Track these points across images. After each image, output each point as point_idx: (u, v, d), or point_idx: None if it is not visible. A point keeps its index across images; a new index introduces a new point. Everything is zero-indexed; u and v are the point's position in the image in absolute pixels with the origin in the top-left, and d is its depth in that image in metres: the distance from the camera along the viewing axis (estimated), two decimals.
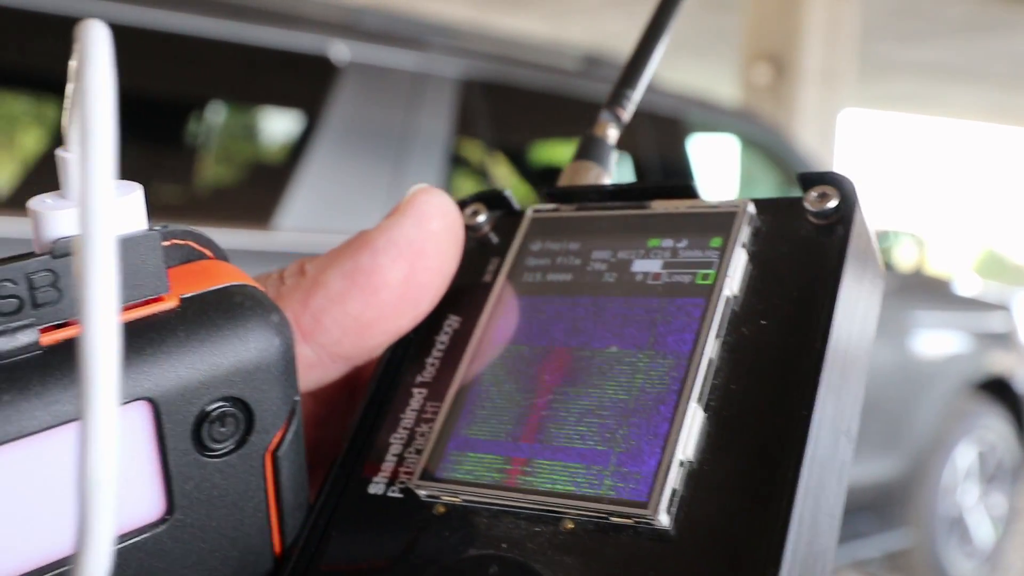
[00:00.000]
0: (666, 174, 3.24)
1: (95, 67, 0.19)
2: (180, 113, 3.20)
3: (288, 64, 2.45)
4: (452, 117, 2.53)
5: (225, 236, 2.00)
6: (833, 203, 0.33)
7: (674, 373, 0.31)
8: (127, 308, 0.28)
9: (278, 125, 3.57)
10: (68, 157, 0.27)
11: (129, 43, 2.33)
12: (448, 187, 2.56)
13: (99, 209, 0.19)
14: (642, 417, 0.31)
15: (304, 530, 0.33)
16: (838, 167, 6.95)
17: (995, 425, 4.06)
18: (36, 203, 0.27)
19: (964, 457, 3.91)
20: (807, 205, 0.33)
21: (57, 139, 3.19)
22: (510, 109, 3.03)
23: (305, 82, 2.49)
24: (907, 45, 10.26)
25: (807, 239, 0.33)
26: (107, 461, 0.19)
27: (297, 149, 2.38)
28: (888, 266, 3.78)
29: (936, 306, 3.92)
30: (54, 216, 0.27)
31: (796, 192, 0.35)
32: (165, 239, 0.30)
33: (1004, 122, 16.87)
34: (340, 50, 2.36)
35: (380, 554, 0.32)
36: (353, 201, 2.31)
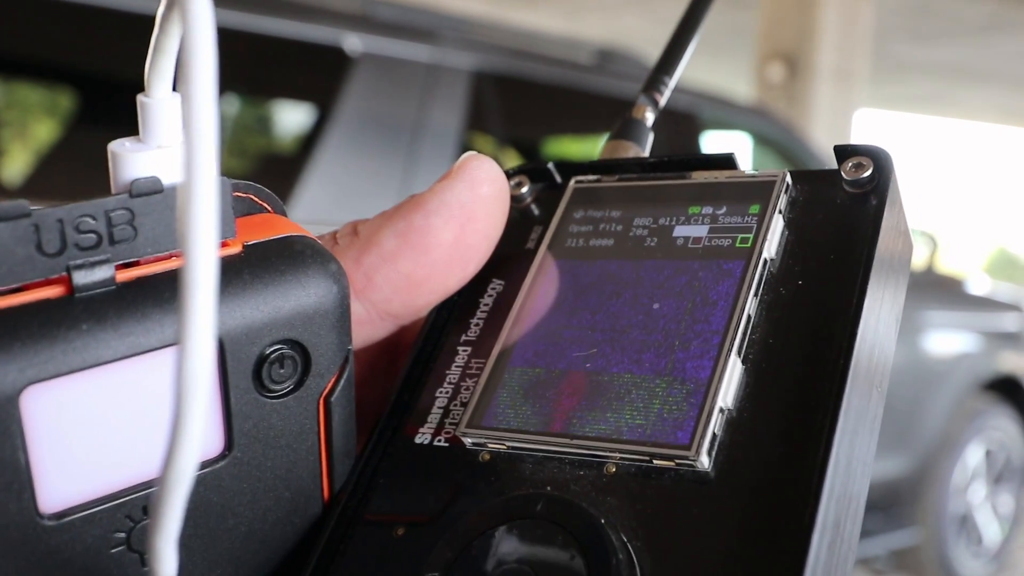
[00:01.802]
0: None
1: (196, 10, 0.20)
2: None
3: (301, 56, 2.46)
4: (465, 110, 2.54)
5: None
6: (868, 173, 0.34)
7: (714, 328, 0.33)
8: None
9: (291, 117, 3.58)
10: (148, 102, 0.28)
11: (141, 33, 2.34)
12: None
13: (204, 147, 0.20)
14: (684, 368, 0.32)
15: (352, 477, 0.34)
16: None
17: (1004, 425, 4.05)
18: (116, 146, 0.28)
19: (973, 456, 3.91)
20: (843, 175, 0.35)
21: (69, 130, 3.20)
22: (523, 103, 3.03)
23: (318, 74, 2.50)
24: (922, 45, 10.22)
25: (842, 207, 0.34)
26: (200, 394, 0.20)
27: (309, 141, 2.39)
28: None
29: (947, 305, 3.92)
30: (133, 158, 0.28)
31: None
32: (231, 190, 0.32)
33: (1018, 124, 16.79)
34: (353, 42, 2.37)
35: (426, 500, 0.33)
36: (365, 193, 2.32)
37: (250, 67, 2.69)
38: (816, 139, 5.77)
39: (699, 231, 0.36)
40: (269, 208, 0.33)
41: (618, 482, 0.30)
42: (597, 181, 0.39)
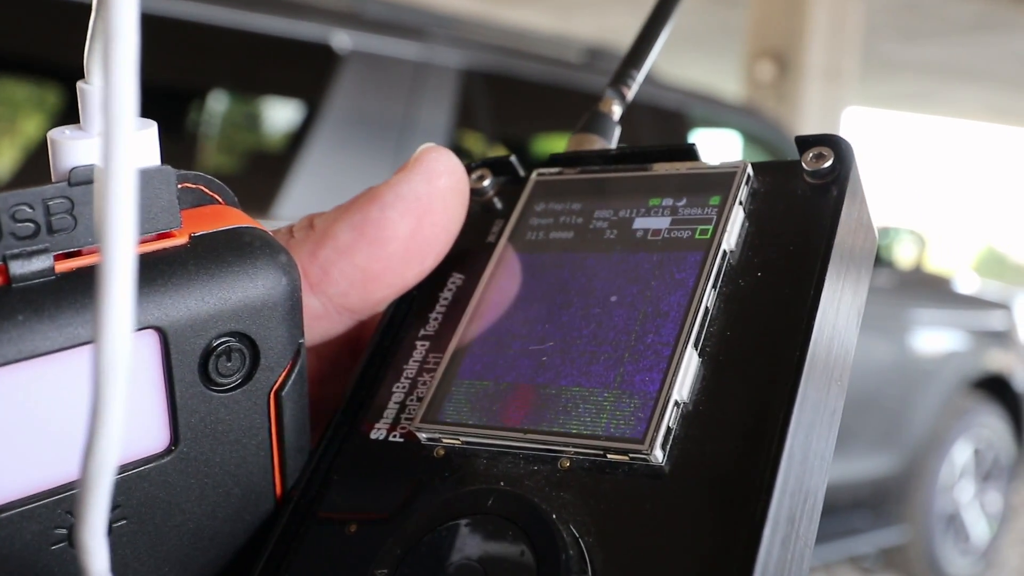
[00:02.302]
0: None
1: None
2: (182, 101, 3.20)
3: (290, 53, 2.45)
4: (454, 108, 2.53)
5: None
6: (828, 163, 0.34)
7: (672, 320, 0.32)
8: (140, 241, 0.29)
9: (279, 114, 3.57)
10: (87, 88, 0.27)
11: None
12: None
13: (121, 138, 0.20)
14: (639, 362, 0.32)
15: (306, 473, 0.34)
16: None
17: (992, 423, 4.06)
18: (55, 133, 0.28)
19: (961, 454, 3.92)
20: (803, 165, 0.35)
21: (57, 125, 3.18)
22: (512, 101, 3.03)
23: (307, 71, 2.49)
24: (911, 44, 10.24)
25: (803, 198, 0.34)
26: (117, 385, 0.19)
27: (298, 138, 2.38)
28: (888, 263, 3.78)
29: (935, 304, 3.93)
30: (72, 145, 0.27)
31: None
32: (178, 181, 0.31)
33: (1006, 122, 16.85)
34: (342, 39, 2.36)
35: (380, 496, 0.33)
36: (353, 190, 2.29)
37: (238, 64, 2.69)
38: None
39: (659, 223, 0.35)
40: (220, 199, 0.33)
41: (572, 477, 0.30)
42: (559, 174, 0.39)
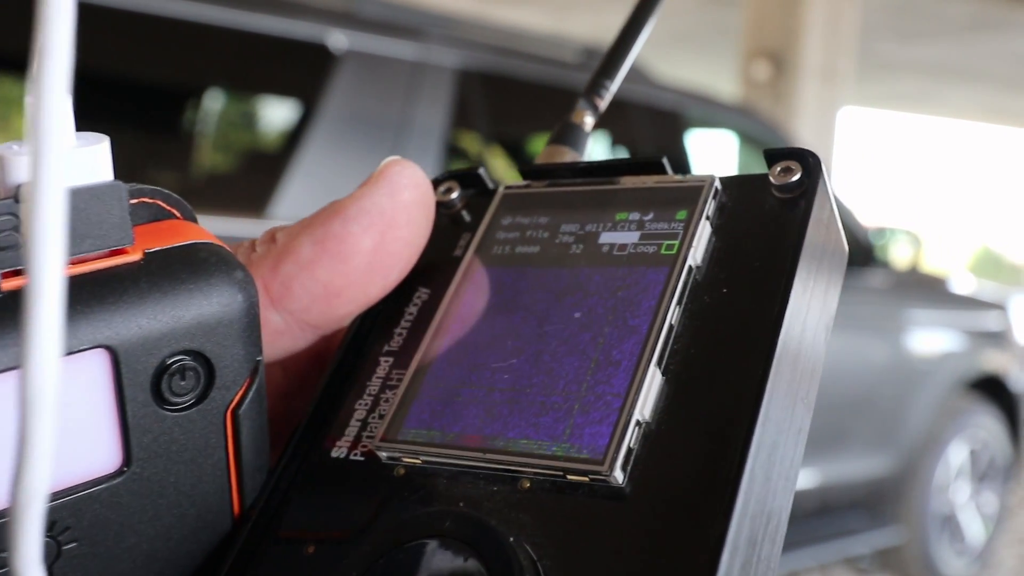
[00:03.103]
0: None
1: (55, 11, 0.19)
2: (177, 100, 3.19)
3: (286, 52, 2.45)
4: (450, 108, 2.53)
5: (221, 224, 2.00)
6: (796, 177, 0.34)
7: (635, 337, 0.32)
8: (90, 259, 0.28)
9: (275, 113, 3.57)
10: (31, 102, 0.27)
11: (127, 29, 2.33)
12: None
13: (49, 153, 0.19)
14: (602, 380, 0.31)
15: (264, 492, 0.33)
16: (836, 164, 6.96)
17: (988, 424, 4.07)
18: (2, 148, 0.27)
19: (956, 455, 3.92)
20: (771, 179, 0.34)
21: None
22: (508, 101, 3.03)
23: (303, 70, 2.49)
24: (907, 44, 10.26)
25: (770, 212, 0.34)
26: (45, 413, 0.19)
27: (293, 137, 2.38)
28: (884, 264, 3.78)
29: (931, 304, 3.93)
30: (18, 161, 0.27)
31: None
32: (133, 196, 0.31)
33: (1002, 122, 16.88)
34: (338, 39, 2.36)
35: (339, 516, 0.32)
36: (349, 190, 2.30)
37: (234, 63, 2.68)
38: (802, 138, 5.78)
39: (625, 238, 0.35)
40: (178, 214, 0.32)
41: (532, 498, 0.30)
42: (527, 187, 0.39)
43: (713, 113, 3.67)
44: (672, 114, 3.29)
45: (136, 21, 2.21)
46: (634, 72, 3.36)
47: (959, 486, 3.96)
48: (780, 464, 0.30)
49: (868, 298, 3.64)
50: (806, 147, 0.35)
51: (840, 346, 3.35)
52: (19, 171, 0.27)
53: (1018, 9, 8.76)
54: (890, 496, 3.71)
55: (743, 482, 0.27)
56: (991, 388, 4.10)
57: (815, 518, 3.47)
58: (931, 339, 3.77)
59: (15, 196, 0.26)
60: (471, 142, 3.14)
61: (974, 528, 4.02)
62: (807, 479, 3.33)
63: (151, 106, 3.00)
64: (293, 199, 2.21)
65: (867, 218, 4.29)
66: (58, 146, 0.19)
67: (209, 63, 2.66)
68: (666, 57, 9.35)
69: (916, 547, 3.80)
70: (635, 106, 3.16)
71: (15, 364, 0.26)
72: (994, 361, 4.07)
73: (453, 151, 2.91)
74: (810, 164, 0.34)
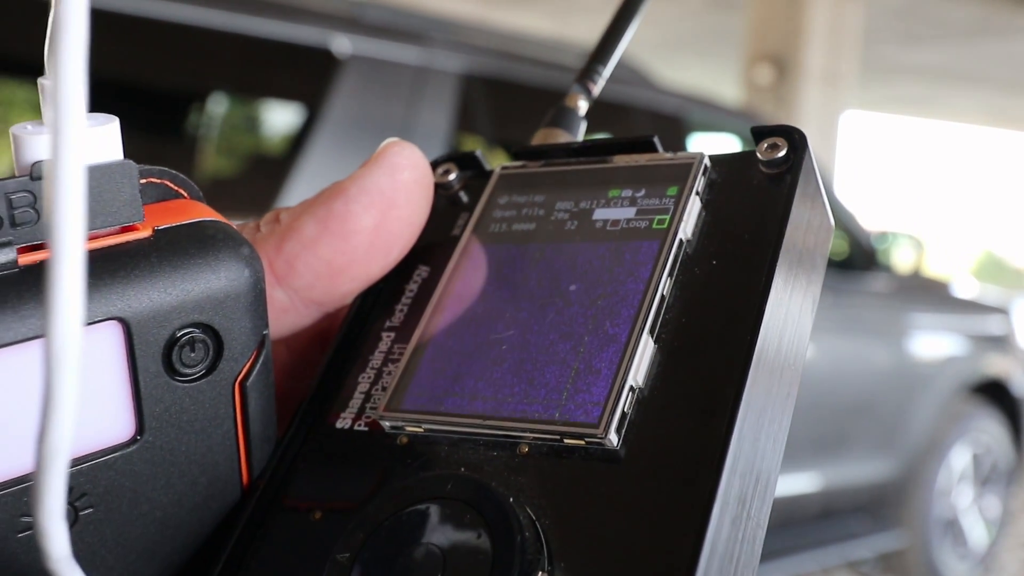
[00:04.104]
0: None
1: None
2: (182, 104, 3.20)
3: (290, 57, 2.45)
4: (453, 112, 2.54)
5: None
6: (782, 153, 0.35)
7: (628, 308, 0.33)
8: (102, 235, 0.29)
9: (279, 117, 3.57)
10: (46, 84, 0.27)
11: (132, 33, 2.33)
12: None
13: (70, 131, 0.20)
14: (596, 348, 0.32)
15: (272, 463, 0.34)
16: (839, 168, 6.95)
17: (990, 428, 4.06)
18: (17, 128, 0.28)
19: (959, 459, 3.92)
20: (758, 155, 0.35)
21: None
22: (511, 105, 3.03)
23: (306, 75, 2.49)
24: (910, 48, 10.25)
25: (758, 187, 0.35)
26: (69, 379, 0.20)
27: (297, 142, 2.38)
28: (886, 268, 3.78)
29: (933, 308, 3.93)
30: (33, 140, 0.28)
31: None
32: (142, 176, 0.32)
33: (1005, 126, 16.86)
34: (342, 43, 2.36)
35: (344, 484, 0.33)
36: None
37: (239, 68, 2.69)
38: None
39: (618, 214, 0.36)
40: (185, 194, 0.33)
41: (530, 462, 0.31)
42: (523, 167, 0.40)
43: (715, 117, 3.67)
44: (674, 118, 3.30)
45: (140, 26, 2.22)
46: (636, 76, 3.36)
47: (962, 490, 3.96)
48: (768, 426, 0.31)
49: (870, 302, 3.64)
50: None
51: (843, 350, 3.35)
52: (34, 150, 0.28)
53: (1021, 13, 8.75)
54: (893, 500, 3.71)
55: (732, 441, 0.28)
56: (994, 392, 4.10)
57: (818, 522, 3.47)
58: (933, 343, 3.77)
59: (31, 174, 0.27)
60: (475, 146, 3.14)
61: (977, 532, 4.02)
62: (810, 483, 3.33)
63: (155, 110, 3.00)
64: (297, 203, 2.21)
65: (870, 222, 4.28)
66: (78, 123, 0.20)
67: (213, 68, 2.66)
68: (669, 61, 9.36)
69: (919, 551, 3.79)
70: (637, 110, 3.16)
71: (33, 334, 0.27)
72: (997, 365, 4.06)
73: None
74: (796, 140, 0.35)
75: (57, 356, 0.20)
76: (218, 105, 3.38)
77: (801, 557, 3.36)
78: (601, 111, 3.20)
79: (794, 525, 3.37)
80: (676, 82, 3.57)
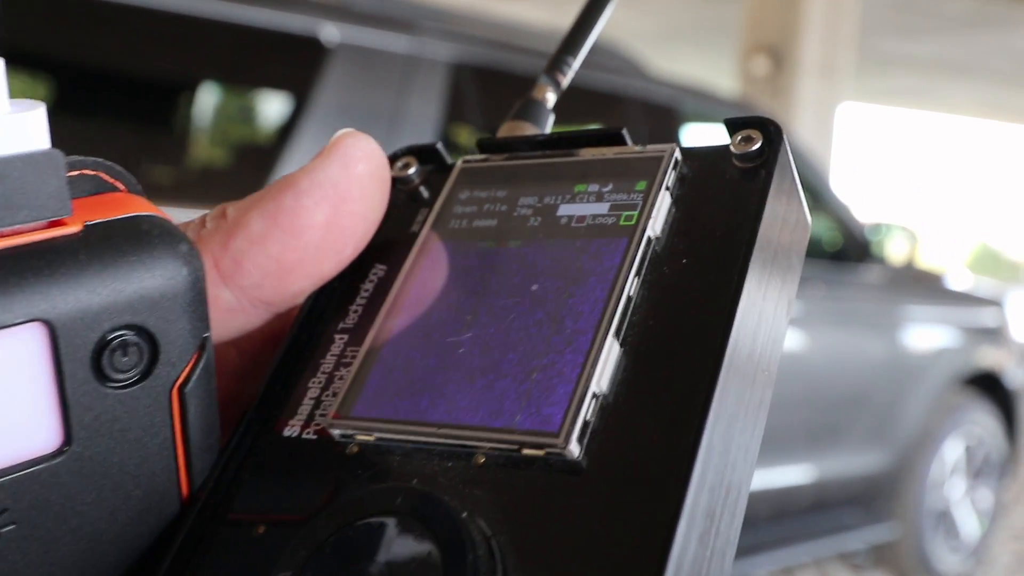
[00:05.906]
0: None
1: None
2: (170, 94, 3.19)
3: (278, 45, 2.44)
4: (443, 101, 2.53)
5: None
6: (756, 146, 0.33)
7: (593, 309, 0.31)
8: (25, 230, 0.28)
9: (268, 107, 3.56)
10: None
11: (119, 23, 2.32)
12: None
13: None
14: (559, 352, 0.30)
15: (214, 473, 0.32)
16: (835, 160, 6.96)
17: (983, 420, 4.07)
18: None
19: (952, 451, 3.92)
20: (732, 149, 0.33)
21: (47, 117, 3.17)
22: (502, 94, 3.02)
23: (295, 64, 2.48)
24: (906, 40, 10.25)
25: (731, 182, 0.33)
26: None
27: (286, 131, 2.37)
28: (880, 259, 3.78)
29: (927, 300, 3.93)
30: None
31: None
32: (74, 168, 0.30)
33: (1002, 119, 16.88)
34: (331, 32, 2.35)
35: (291, 496, 0.31)
36: None
37: (227, 57, 2.67)
38: (800, 133, 5.78)
39: (584, 209, 0.34)
40: (122, 187, 0.31)
41: (486, 473, 0.29)
42: (485, 161, 0.38)
43: (711, 108, 3.66)
44: (669, 109, 3.29)
45: (128, 15, 2.20)
46: (629, 66, 3.35)
47: (954, 482, 3.96)
48: (740, 436, 0.30)
49: (864, 294, 3.64)
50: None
51: (835, 342, 3.35)
52: None
53: (1018, 6, 8.75)
54: (885, 492, 3.71)
55: (700, 453, 0.27)
56: (987, 384, 4.11)
57: (810, 514, 3.47)
58: (927, 335, 3.77)
59: None
60: (465, 136, 3.14)
61: (969, 524, 4.03)
62: (802, 475, 3.33)
63: (143, 100, 2.99)
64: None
65: (866, 214, 4.28)
66: None
67: (201, 57, 2.65)
68: (665, 52, 9.34)
69: (911, 543, 3.80)
70: (630, 100, 3.15)
71: None
72: (990, 357, 4.07)
73: (447, 145, 2.90)
74: (771, 133, 0.33)
75: None
76: (206, 94, 3.37)
77: (793, 549, 3.37)
78: (592, 101, 3.19)
79: (786, 517, 3.37)
80: (672, 73, 3.56)
